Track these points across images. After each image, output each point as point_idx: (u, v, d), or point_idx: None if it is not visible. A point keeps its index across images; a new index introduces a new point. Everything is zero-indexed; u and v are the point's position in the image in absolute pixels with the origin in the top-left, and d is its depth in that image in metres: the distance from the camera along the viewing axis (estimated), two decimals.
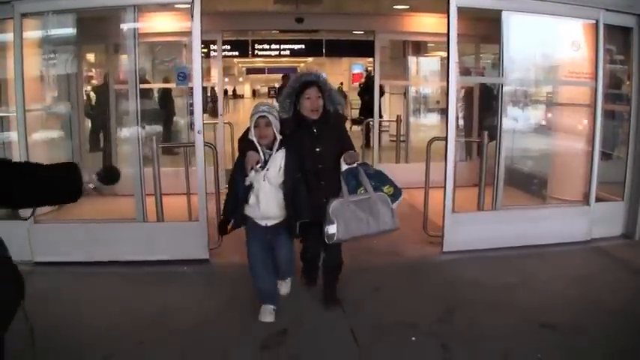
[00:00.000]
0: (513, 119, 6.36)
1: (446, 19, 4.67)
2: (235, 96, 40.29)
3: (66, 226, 4.77)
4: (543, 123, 7.42)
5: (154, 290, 4.09)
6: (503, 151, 5.20)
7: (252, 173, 3.28)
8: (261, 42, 12.40)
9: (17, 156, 4.55)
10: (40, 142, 5.27)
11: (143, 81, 6.44)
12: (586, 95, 5.43)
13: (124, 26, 4.82)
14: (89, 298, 3.93)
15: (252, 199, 3.36)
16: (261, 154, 3.30)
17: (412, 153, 8.26)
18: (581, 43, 5.37)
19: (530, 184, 6.33)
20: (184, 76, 5.57)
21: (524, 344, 3.24)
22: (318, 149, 3.46)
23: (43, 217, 4.86)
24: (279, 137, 3.33)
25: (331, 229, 3.31)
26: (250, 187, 3.34)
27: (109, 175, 2.03)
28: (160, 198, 4.85)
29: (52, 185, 1.85)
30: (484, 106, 7.66)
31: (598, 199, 5.29)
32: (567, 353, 3.15)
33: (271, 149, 3.33)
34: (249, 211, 3.41)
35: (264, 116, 3.29)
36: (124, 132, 6.38)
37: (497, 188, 5.11)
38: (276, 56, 13.04)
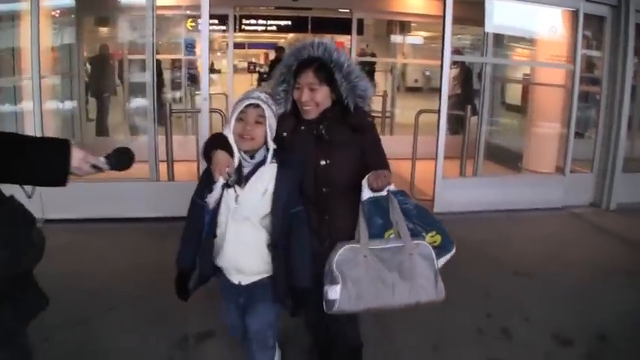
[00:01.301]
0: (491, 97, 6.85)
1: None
2: (213, 70, 40.34)
3: (77, 185, 5.02)
4: (520, 102, 7.94)
5: (167, 242, 4.42)
6: (485, 124, 5.73)
7: (219, 186, 1.99)
8: (248, 17, 12.57)
9: (31, 122, 4.82)
10: (46, 111, 5.46)
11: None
12: (562, 77, 5.96)
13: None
14: (106, 249, 4.25)
15: (219, 235, 2.09)
16: (237, 160, 2.03)
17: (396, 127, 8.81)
18: (558, 29, 5.84)
19: (507, 158, 6.77)
20: (192, 47, 5.90)
21: (502, 287, 3.81)
22: (324, 162, 2.15)
23: None
24: (272, 146, 2.06)
25: (332, 292, 2.00)
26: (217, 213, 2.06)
27: (122, 160, 1.72)
28: (171, 159, 5.16)
29: (30, 165, 1.53)
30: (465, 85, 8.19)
31: (570, 172, 5.84)
32: (538, 296, 3.70)
33: (253, 158, 2.06)
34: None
35: (257, 105, 2.03)
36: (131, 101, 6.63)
37: (478, 158, 5.63)
38: (262, 31, 13.21)
